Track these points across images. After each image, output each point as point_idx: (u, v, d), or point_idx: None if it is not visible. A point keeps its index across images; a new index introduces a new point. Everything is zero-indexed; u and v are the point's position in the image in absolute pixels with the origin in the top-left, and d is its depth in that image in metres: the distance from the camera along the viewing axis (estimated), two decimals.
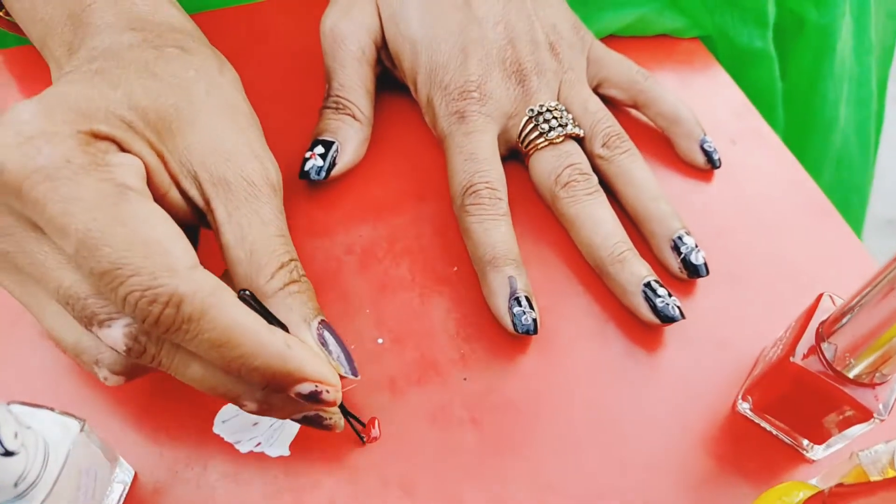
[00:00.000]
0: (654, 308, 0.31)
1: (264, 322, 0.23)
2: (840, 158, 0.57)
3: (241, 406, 0.24)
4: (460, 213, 0.33)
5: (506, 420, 0.30)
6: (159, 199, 0.26)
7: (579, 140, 0.36)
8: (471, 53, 0.35)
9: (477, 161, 0.33)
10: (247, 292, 0.24)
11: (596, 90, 0.39)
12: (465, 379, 0.31)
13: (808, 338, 0.27)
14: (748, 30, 0.45)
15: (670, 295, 0.31)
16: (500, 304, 0.30)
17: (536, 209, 0.36)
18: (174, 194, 0.26)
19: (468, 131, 0.34)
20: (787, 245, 0.35)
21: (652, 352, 0.32)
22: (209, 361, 0.23)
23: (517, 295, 0.30)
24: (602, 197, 0.34)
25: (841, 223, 0.36)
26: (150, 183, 0.25)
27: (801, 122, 0.53)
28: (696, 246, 0.33)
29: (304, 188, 0.36)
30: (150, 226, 0.22)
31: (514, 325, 0.30)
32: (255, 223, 0.25)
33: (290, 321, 0.25)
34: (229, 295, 0.23)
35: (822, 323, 0.27)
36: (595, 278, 0.34)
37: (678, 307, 0.31)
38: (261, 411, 0.24)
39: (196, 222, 0.27)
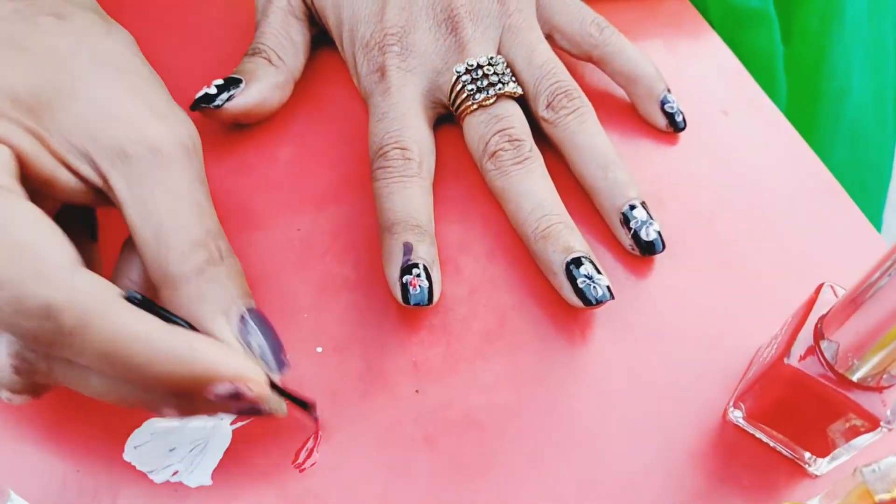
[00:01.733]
0: (574, 288, 0.30)
1: (161, 324, 0.22)
2: (854, 132, 0.56)
3: (161, 415, 0.24)
4: (372, 179, 0.32)
5: (465, 439, 0.29)
6: (44, 185, 0.24)
7: (522, 100, 0.35)
8: (389, 1, 0.34)
9: (389, 120, 0.33)
10: (136, 294, 0.23)
11: (548, 41, 0.38)
12: (417, 391, 0.30)
13: (806, 335, 0.26)
14: None
15: (599, 272, 0.30)
16: (391, 272, 0.30)
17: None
18: (64, 176, 0.25)
19: (385, 90, 0.34)
20: (786, 230, 0.34)
21: (631, 354, 0.31)
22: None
23: (411, 261, 0.30)
24: (534, 164, 0.33)
25: (850, 206, 0.35)
26: (28, 170, 0.24)
27: (806, 91, 0.52)
28: (650, 218, 0.32)
29: (235, 175, 0.35)
30: (13, 227, 0.21)
31: (404, 296, 0.29)
32: (160, 196, 0.24)
33: (203, 314, 0.23)
34: (116, 298, 0.22)
35: (822, 318, 0.26)
36: None
37: (605, 287, 0.30)
38: (186, 415, 0.24)
39: (100, 204, 0.26)
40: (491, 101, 0.34)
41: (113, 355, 0.21)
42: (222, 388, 0.22)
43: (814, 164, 0.37)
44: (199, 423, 0.28)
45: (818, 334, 0.26)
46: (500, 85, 0.34)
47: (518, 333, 0.31)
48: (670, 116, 0.36)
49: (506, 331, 0.31)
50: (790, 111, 0.50)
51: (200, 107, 0.34)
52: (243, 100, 0.34)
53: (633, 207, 0.32)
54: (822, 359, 0.25)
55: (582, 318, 0.32)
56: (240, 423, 0.28)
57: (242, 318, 0.24)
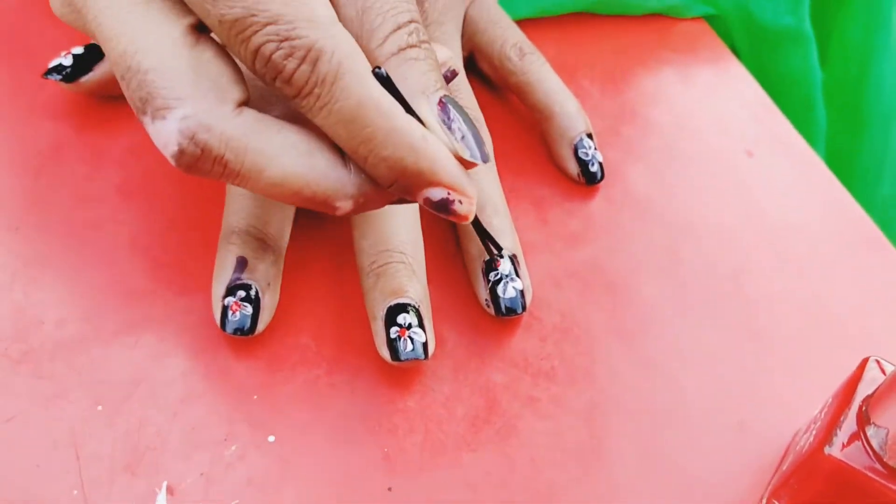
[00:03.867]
0: (389, 343, 0.30)
1: (401, 108, 0.24)
2: None
3: (331, 210, 0.25)
4: None
5: None
6: None
7: None
8: None
9: None
10: (382, 70, 0.24)
11: (471, 61, 0.39)
12: (389, 489, 0.29)
13: (849, 420, 0.26)
14: (774, 3, 0.45)
15: (421, 326, 0.30)
16: (215, 289, 0.31)
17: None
18: None
19: None
20: (824, 291, 0.35)
21: (647, 441, 0.30)
22: (327, 140, 0.24)
23: (241, 281, 0.30)
24: None
25: None
26: None
27: (848, 119, 0.53)
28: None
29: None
30: None
31: (222, 321, 0.30)
32: None
33: (404, 93, 0.25)
34: (366, 65, 0.23)
35: (867, 398, 0.26)
36: (570, 322, 0.32)
37: (420, 344, 0.30)
38: (355, 211, 0.25)
39: None
40: None
41: (355, 119, 0.23)
42: (435, 193, 0.24)
43: (854, 212, 0.37)
44: None
45: (863, 418, 0.25)
46: None
47: (510, 418, 0.31)
48: (583, 164, 0.37)
49: (496, 415, 0.31)
50: (830, 145, 0.51)
51: (52, 76, 0.36)
52: (104, 69, 0.36)
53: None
54: (868, 448, 0.25)
55: (587, 396, 0.31)
56: None
57: (442, 102, 0.25)
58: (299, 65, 0.22)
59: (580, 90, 0.40)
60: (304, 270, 0.34)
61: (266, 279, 0.31)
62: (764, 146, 0.39)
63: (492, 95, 0.40)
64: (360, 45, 0.24)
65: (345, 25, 0.25)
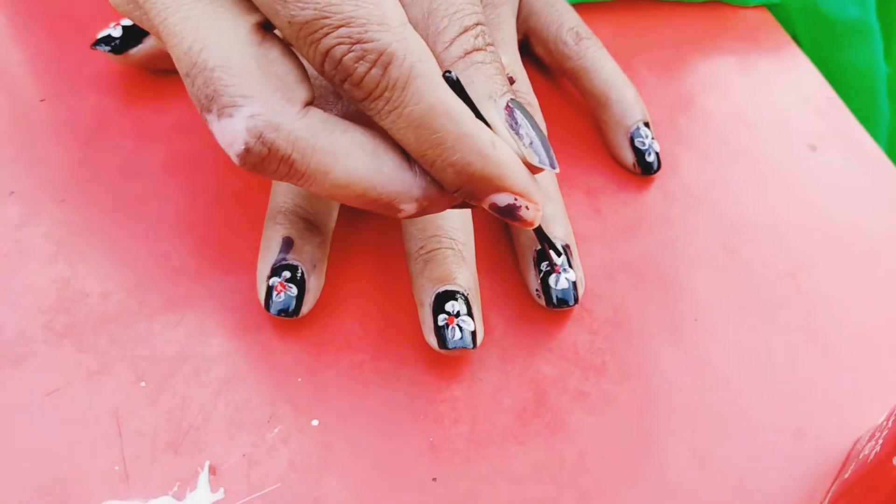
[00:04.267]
0: (437, 331, 0.30)
1: (470, 112, 0.23)
2: None
3: (395, 213, 0.25)
4: None
5: None
6: None
7: None
8: None
9: None
10: (452, 74, 0.24)
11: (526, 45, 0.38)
12: (434, 480, 0.28)
13: None
14: None
15: (470, 315, 0.30)
16: (261, 269, 0.31)
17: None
18: None
19: None
20: (889, 291, 0.33)
21: (698, 443, 0.30)
22: (392, 141, 0.24)
23: (286, 262, 0.30)
24: None
25: None
26: None
27: None
28: None
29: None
30: None
31: (266, 301, 0.30)
32: None
33: (473, 96, 0.24)
34: (437, 69, 0.23)
35: None
36: (622, 316, 0.32)
37: (469, 333, 0.30)
38: (418, 214, 0.25)
39: None
40: None
41: (424, 124, 0.22)
42: (502, 199, 0.24)
43: None
44: None
45: None
46: None
47: (559, 412, 0.30)
48: (640, 154, 0.36)
49: (544, 409, 0.30)
50: (892, 141, 0.50)
51: (101, 47, 0.36)
52: (153, 43, 0.36)
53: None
54: None
55: (638, 394, 0.31)
56: None
57: (510, 107, 0.25)
58: (370, 68, 0.22)
59: (636, 77, 0.39)
60: (351, 253, 0.33)
61: (312, 260, 0.31)
62: (827, 141, 0.38)
63: (546, 80, 0.39)
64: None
65: None
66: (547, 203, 0.33)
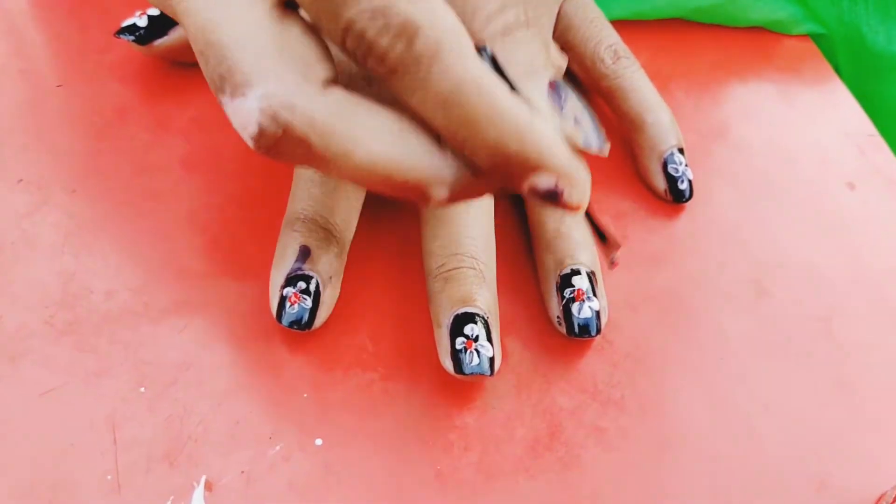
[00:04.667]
0: (454, 354, 0.28)
1: (505, 87, 0.21)
2: None
3: (425, 198, 0.23)
4: None
5: None
6: None
7: None
8: None
9: None
10: (488, 49, 0.22)
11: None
12: None
13: None
14: (888, 26, 0.42)
15: (489, 340, 0.28)
16: (274, 277, 0.30)
17: None
18: None
19: None
20: None
21: (717, 490, 0.28)
22: (421, 121, 0.22)
23: (302, 272, 0.29)
24: None
25: None
26: None
27: None
28: None
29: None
30: None
31: (278, 312, 0.29)
32: None
33: (513, 74, 0.23)
34: (468, 42, 0.21)
35: None
36: (644, 350, 0.30)
37: (487, 359, 0.28)
38: (451, 199, 0.23)
39: None
40: None
41: (454, 100, 0.21)
42: (543, 181, 0.22)
43: None
44: None
45: None
46: None
47: (574, 447, 0.29)
48: (672, 181, 0.35)
49: (558, 442, 0.29)
50: None
51: (125, 36, 0.35)
52: (178, 35, 0.36)
53: (574, 273, 0.31)
54: None
55: (657, 433, 0.29)
56: None
57: (553, 83, 0.23)
58: (394, 42, 0.20)
59: (672, 101, 0.37)
60: (368, 265, 0.32)
61: (329, 272, 0.30)
62: (866, 179, 0.37)
63: None
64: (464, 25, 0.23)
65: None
66: (574, 227, 0.31)
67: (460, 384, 0.30)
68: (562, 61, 0.33)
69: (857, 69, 0.42)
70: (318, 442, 0.28)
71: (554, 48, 0.28)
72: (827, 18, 0.41)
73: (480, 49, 0.22)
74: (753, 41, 0.41)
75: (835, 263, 0.34)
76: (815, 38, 0.42)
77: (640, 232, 0.34)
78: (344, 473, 0.28)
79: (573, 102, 0.23)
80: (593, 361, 0.31)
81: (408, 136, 0.22)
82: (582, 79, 0.37)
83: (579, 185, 0.22)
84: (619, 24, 0.39)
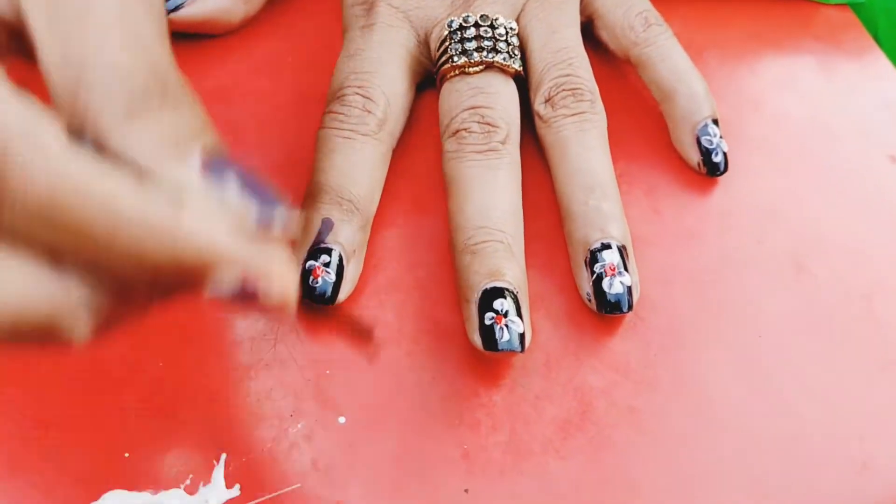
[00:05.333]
0: (483, 330, 0.27)
1: (126, 179, 0.17)
2: None
3: (60, 337, 0.18)
4: (319, 127, 0.32)
5: None
6: None
7: (520, 79, 0.33)
8: None
9: (361, 59, 0.32)
10: (86, 138, 0.18)
11: (589, 28, 0.36)
12: (466, 491, 0.27)
13: None
14: None
15: (519, 315, 0.28)
16: (296, 252, 0.29)
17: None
18: None
19: (367, 25, 0.33)
20: None
21: (757, 471, 0.28)
22: (30, 248, 0.17)
23: (324, 245, 0.28)
24: (502, 160, 0.31)
25: None
26: None
27: None
28: (623, 268, 0.29)
29: None
30: None
31: (304, 287, 0.28)
32: (88, 27, 0.19)
33: (142, 154, 0.18)
34: (52, 135, 0.17)
35: None
36: (679, 328, 0.29)
37: (517, 335, 0.27)
38: (100, 330, 0.18)
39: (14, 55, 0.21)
40: (476, 68, 0.32)
41: (52, 214, 0.16)
42: (226, 283, 0.18)
43: None
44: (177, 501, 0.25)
45: None
46: (493, 53, 0.32)
47: (605, 427, 0.28)
48: (706, 154, 0.33)
49: (590, 422, 0.28)
50: None
51: None
52: (195, 10, 0.35)
53: (605, 247, 0.29)
54: None
55: (693, 413, 0.28)
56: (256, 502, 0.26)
57: (207, 155, 0.19)
58: None
59: (706, 71, 0.36)
60: (391, 240, 0.31)
61: (352, 245, 0.29)
62: None
63: (609, 68, 0.37)
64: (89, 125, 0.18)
65: (58, 101, 0.19)
66: (603, 200, 0.30)
67: (487, 362, 0.29)
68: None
69: None
70: (342, 420, 0.27)
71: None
72: None
73: (79, 138, 0.18)
74: (791, 11, 0.40)
75: (876, 240, 0.33)
76: (855, 7, 0.41)
77: (673, 207, 0.33)
78: (368, 453, 0.27)
79: (235, 173, 0.19)
80: (626, 339, 0.30)
81: (10, 268, 0.17)
82: (611, 48, 0.36)
83: (275, 275, 0.18)
84: None
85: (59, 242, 0.17)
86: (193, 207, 0.18)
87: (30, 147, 0.16)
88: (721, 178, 0.34)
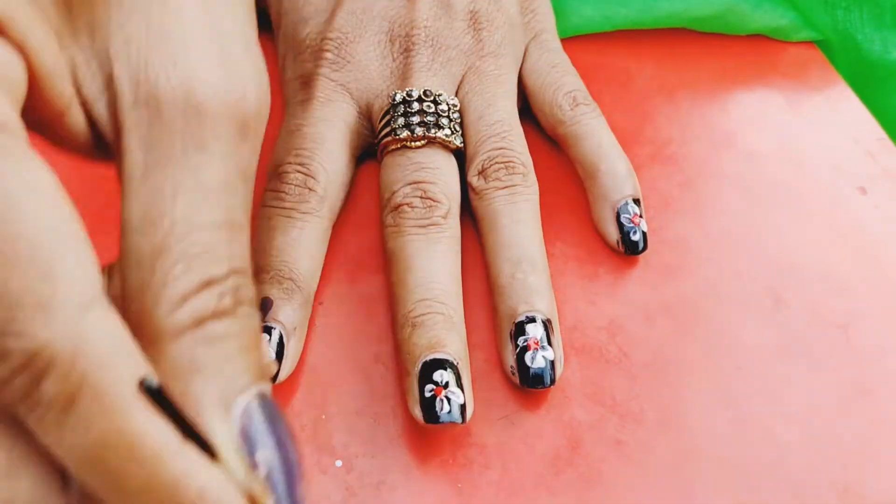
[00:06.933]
0: (423, 402, 0.28)
1: (173, 437, 0.17)
2: None
3: None
4: (260, 205, 0.32)
5: None
6: (49, 124, 0.19)
7: (460, 153, 0.34)
8: (345, 4, 0.35)
9: (301, 136, 0.32)
10: (153, 381, 0.17)
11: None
12: None
13: None
14: (884, 34, 0.43)
15: (460, 387, 0.28)
16: None
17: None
18: (74, 115, 0.19)
19: (306, 99, 0.34)
20: None
21: (744, 495, 0.28)
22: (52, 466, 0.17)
23: (265, 324, 0.28)
24: (443, 234, 0.31)
25: None
26: (36, 98, 0.18)
27: None
28: (547, 343, 0.29)
29: None
30: (26, 212, 0.15)
31: None
32: (187, 191, 0.18)
33: (194, 394, 0.18)
34: (128, 375, 0.16)
35: None
36: (661, 362, 0.30)
37: (458, 406, 0.28)
38: None
39: (96, 158, 0.21)
40: (418, 143, 0.32)
41: (96, 458, 0.16)
42: None
43: None
44: None
45: None
46: (436, 129, 0.33)
47: (595, 461, 0.29)
48: (625, 233, 0.33)
49: (579, 457, 0.29)
50: None
51: None
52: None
53: (529, 320, 0.29)
54: None
55: (678, 444, 0.29)
56: None
57: (248, 412, 0.18)
58: (14, 374, 0.15)
59: (680, 111, 0.38)
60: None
61: (293, 323, 0.29)
62: (878, 183, 0.37)
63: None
64: (143, 304, 0.17)
65: (129, 265, 0.18)
66: (531, 273, 0.31)
67: (477, 401, 0.30)
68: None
69: (856, 76, 0.43)
70: (338, 463, 0.28)
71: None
72: (822, 27, 0.42)
73: (144, 382, 0.17)
74: (758, 49, 0.42)
75: (850, 269, 0.34)
76: (818, 43, 0.43)
77: (652, 242, 0.34)
78: (365, 495, 0.28)
79: (268, 440, 0.18)
80: (611, 374, 0.31)
81: (18, 471, 0.16)
82: (542, 124, 0.37)
83: None
84: (625, 35, 0.39)
85: (90, 480, 0.16)
86: (220, 478, 0.17)
87: (105, 383, 0.16)
88: (698, 215, 0.35)
